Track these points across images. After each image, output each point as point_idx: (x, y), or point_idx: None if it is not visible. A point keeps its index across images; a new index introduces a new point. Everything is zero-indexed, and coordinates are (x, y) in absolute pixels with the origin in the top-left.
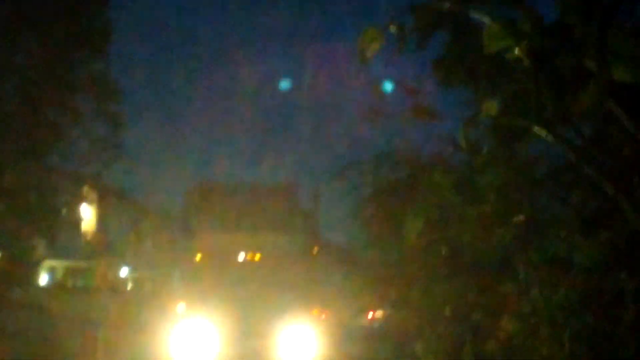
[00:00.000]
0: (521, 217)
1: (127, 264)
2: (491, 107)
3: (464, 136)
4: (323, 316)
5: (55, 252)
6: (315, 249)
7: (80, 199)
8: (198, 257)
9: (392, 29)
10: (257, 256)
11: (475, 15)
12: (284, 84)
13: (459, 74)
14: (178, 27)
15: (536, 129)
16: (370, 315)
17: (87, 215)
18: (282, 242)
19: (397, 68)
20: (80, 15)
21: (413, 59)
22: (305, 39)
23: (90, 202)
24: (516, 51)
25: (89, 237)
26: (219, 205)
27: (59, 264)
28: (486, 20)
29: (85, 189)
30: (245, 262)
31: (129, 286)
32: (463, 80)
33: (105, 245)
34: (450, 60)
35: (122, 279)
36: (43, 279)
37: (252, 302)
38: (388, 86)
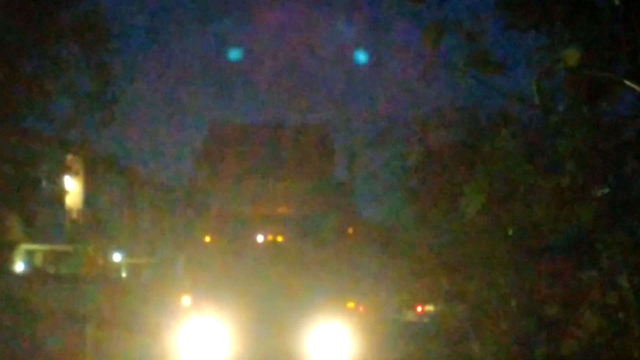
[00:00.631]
0: (605, 190)
1: (120, 248)
2: (571, 56)
3: (538, 91)
4: (360, 310)
5: (34, 233)
6: (351, 229)
7: (64, 169)
8: (207, 238)
9: None
10: (280, 237)
11: None
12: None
13: (529, 15)
14: None
15: (627, 82)
16: (419, 308)
17: (72, 188)
18: (311, 213)
19: (452, 8)
20: None
21: None
22: None
23: (75, 173)
24: None
25: (74, 215)
26: (236, 153)
27: (38, 248)
28: None
29: (70, 157)
30: (265, 243)
31: (123, 274)
32: (534, 23)
33: (94, 225)
34: None
35: (115, 265)
36: (19, 266)
37: (274, 294)
38: (362, 57)
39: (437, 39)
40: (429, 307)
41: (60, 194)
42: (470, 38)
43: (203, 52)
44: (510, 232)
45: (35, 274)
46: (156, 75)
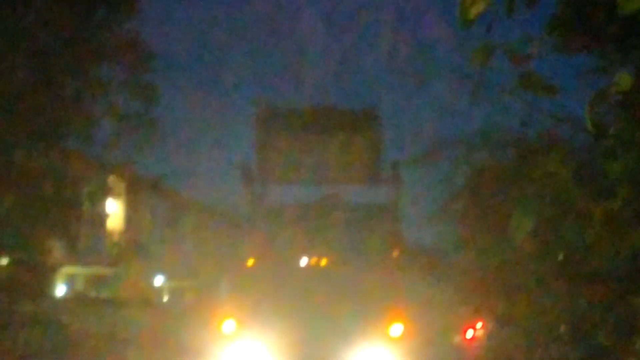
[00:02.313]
0: None
1: (162, 271)
2: (624, 80)
3: (590, 116)
4: (406, 335)
5: (75, 256)
6: (396, 252)
7: (106, 190)
8: (250, 261)
9: None
10: (324, 260)
11: None
12: None
13: (580, 37)
14: None
15: None
16: (469, 333)
17: (114, 210)
18: (356, 236)
19: (502, 30)
20: None
21: (520, 19)
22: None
23: (117, 195)
24: None
25: (115, 238)
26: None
27: (79, 271)
28: None
29: (112, 178)
30: (309, 266)
31: (165, 298)
32: (585, 45)
33: (136, 247)
34: (570, 20)
35: (156, 288)
36: (60, 289)
37: (318, 318)
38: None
39: (486, 61)
40: (481, 331)
41: (102, 216)
42: (519, 60)
43: (248, 73)
44: (560, 257)
45: (76, 298)
46: (200, 95)
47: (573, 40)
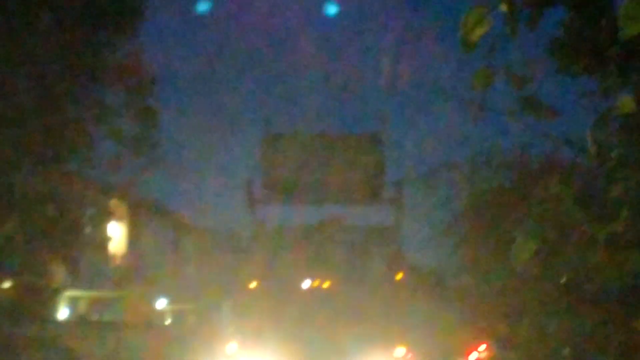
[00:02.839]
0: None
1: (164, 294)
2: (626, 103)
3: (593, 139)
4: (409, 358)
5: (78, 279)
6: (399, 275)
7: (108, 213)
8: (253, 284)
9: (503, 6)
10: (326, 283)
11: None
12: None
13: (581, 60)
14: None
15: None
16: (472, 356)
17: (116, 234)
18: (358, 258)
19: (503, 53)
20: None
21: (521, 41)
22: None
23: (119, 218)
24: None
25: (118, 261)
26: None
27: (81, 295)
28: None
29: (114, 201)
30: (311, 289)
31: (168, 321)
32: (587, 68)
33: (138, 270)
34: (572, 42)
35: (159, 311)
36: (62, 313)
37: (320, 341)
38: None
39: (487, 84)
40: (485, 354)
41: (104, 239)
42: (520, 83)
43: (250, 95)
44: (563, 280)
45: (79, 321)
46: (203, 118)
47: (574, 62)
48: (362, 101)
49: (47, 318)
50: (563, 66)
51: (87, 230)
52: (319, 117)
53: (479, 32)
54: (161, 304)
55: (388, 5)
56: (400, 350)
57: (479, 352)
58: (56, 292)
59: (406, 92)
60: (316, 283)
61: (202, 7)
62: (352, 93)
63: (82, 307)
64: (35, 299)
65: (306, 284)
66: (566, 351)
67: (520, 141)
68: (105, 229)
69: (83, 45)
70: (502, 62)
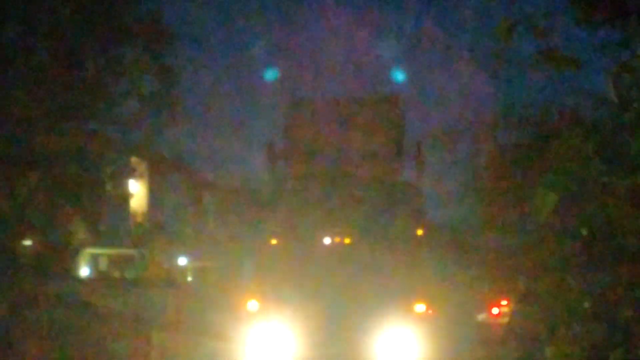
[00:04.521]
0: None
1: (185, 252)
2: None
3: (614, 87)
4: (430, 313)
5: (98, 237)
6: (420, 231)
7: (128, 171)
8: (273, 240)
9: None
10: (347, 238)
11: None
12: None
13: (602, 10)
14: None
15: None
16: (494, 310)
17: (136, 191)
18: (379, 214)
19: (524, 3)
20: None
21: None
22: None
23: (139, 175)
24: None
25: (138, 219)
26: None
27: (102, 252)
28: None
29: (134, 159)
30: (332, 245)
31: (189, 278)
32: (608, 18)
33: (159, 228)
34: None
35: (180, 269)
36: (84, 270)
37: (342, 297)
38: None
39: (509, 35)
40: (505, 310)
41: (125, 197)
42: (542, 34)
43: (271, 57)
44: (584, 233)
45: (100, 279)
46: (221, 74)
47: (595, 13)
48: (383, 60)
49: (68, 275)
50: (584, 17)
51: (108, 187)
52: (339, 81)
53: None
54: (182, 261)
55: None
56: (421, 307)
57: (500, 307)
58: (77, 249)
59: (429, 50)
60: (337, 239)
61: None
62: (373, 52)
63: (102, 264)
64: (56, 257)
65: (327, 240)
66: (586, 305)
67: (542, 96)
68: (125, 186)
69: (103, 2)
70: (523, 15)
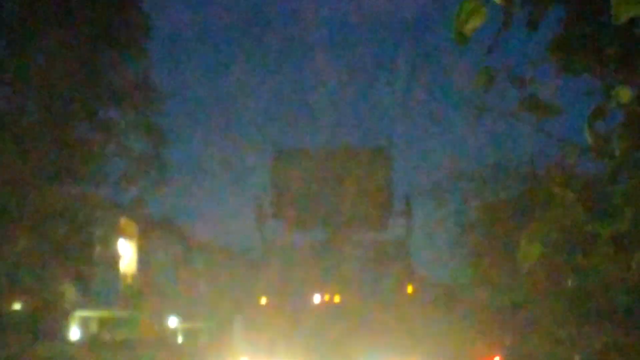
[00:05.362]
0: None
1: (176, 312)
2: (623, 93)
3: (591, 133)
4: None
5: (89, 299)
6: (410, 288)
7: (118, 232)
8: (263, 300)
9: None
10: (337, 297)
11: None
12: None
13: (582, 58)
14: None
15: None
16: None
17: (126, 252)
18: (369, 272)
19: (504, 54)
20: (112, 6)
21: (521, 39)
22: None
23: (129, 236)
24: None
25: (128, 280)
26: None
27: (93, 314)
28: None
29: (123, 219)
30: (322, 304)
31: (180, 339)
32: (588, 66)
33: (149, 289)
34: (572, 41)
35: (171, 330)
36: (74, 332)
37: (332, 355)
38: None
39: (488, 85)
40: None
41: (115, 258)
42: (521, 82)
43: (261, 113)
44: (570, 282)
45: (90, 341)
46: (213, 135)
47: (575, 61)
48: (371, 116)
49: (58, 338)
50: (564, 65)
51: (97, 249)
52: (327, 133)
53: (473, 23)
54: (173, 322)
55: (399, 23)
56: None
57: None
58: (67, 312)
59: (419, 105)
60: (327, 297)
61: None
62: (363, 105)
63: (93, 326)
64: (47, 319)
65: (317, 298)
66: (577, 358)
67: (528, 148)
68: (115, 247)
69: (91, 64)
70: (503, 63)
